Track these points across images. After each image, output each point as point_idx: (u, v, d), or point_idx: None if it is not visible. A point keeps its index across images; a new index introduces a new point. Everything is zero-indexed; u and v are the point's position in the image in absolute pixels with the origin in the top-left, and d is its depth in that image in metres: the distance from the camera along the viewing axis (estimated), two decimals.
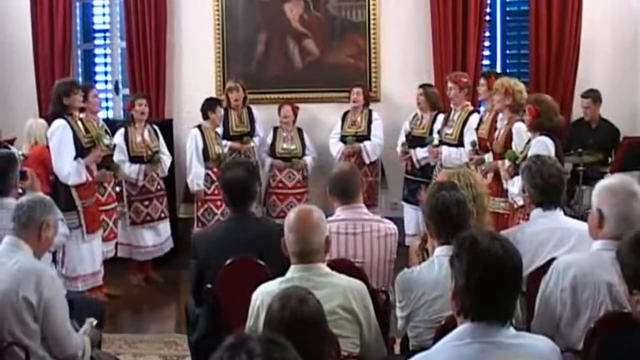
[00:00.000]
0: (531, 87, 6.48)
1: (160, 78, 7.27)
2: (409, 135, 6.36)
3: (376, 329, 2.78)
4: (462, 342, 1.98)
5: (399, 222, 4.54)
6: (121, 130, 6.02)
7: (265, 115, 6.86)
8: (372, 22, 6.99)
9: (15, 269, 2.93)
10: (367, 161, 6.54)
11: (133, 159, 5.99)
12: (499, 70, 6.83)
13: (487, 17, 6.93)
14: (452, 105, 6.01)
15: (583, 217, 2.87)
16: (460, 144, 5.79)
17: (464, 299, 2.01)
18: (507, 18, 7.16)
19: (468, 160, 5.51)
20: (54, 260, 4.56)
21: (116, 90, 7.63)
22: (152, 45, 7.21)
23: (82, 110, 5.54)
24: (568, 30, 6.60)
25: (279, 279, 2.71)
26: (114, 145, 5.81)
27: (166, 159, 6.22)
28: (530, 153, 4.14)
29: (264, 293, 2.65)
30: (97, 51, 7.90)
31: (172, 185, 6.69)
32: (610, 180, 2.73)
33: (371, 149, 6.53)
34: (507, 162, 4.72)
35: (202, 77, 7.26)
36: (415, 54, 6.97)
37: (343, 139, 6.60)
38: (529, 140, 4.52)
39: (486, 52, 7.06)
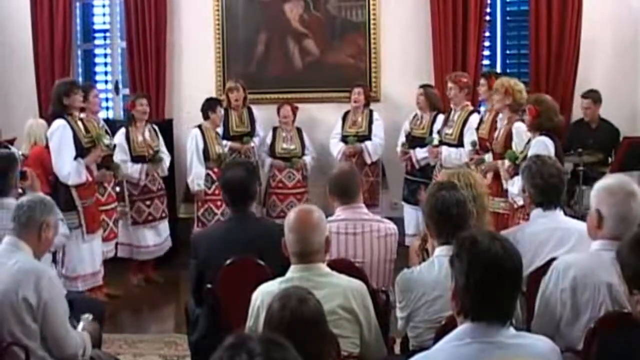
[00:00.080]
0: (531, 87, 6.49)
1: (160, 78, 7.27)
2: (408, 136, 6.36)
3: (376, 329, 2.79)
4: (462, 342, 1.98)
5: (399, 222, 4.55)
6: (122, 130, 6.02)
7: (265, 115, 6.86)
8: (372, 22, 6.99)
9: (15, 269, 2.93)
10: (368, 161, 6.54)
11: (135, 159, 5.99)
12: (499, 70, 6.83)
13: (487, 17, 6.93)
14: (452, 106, 6.01)
15: (583, 217, 2.86)
16: (460, 144, 5.79)
17: (464, 299, 2.01)
18: (507, 18, 7.16)
19: (468, 160, 5.51)
20: (54, 260, 4.57)
21: (116, 90, 7.63)
22: (152, 45, 7.21)
23: (82, 110, 5.54)
24: (568, 30, 6.60)
25: (279, 279, 2.71)
26: (114, 145, 5.80)
27: (165, 158, 6.23)
28: (530, 153, 4.14)
29: (264, 293, 2.65)
30: (97, 51, 7.89)
31: (172, 185, 6.69)
32: (608, 180, 2.73)
33: (372, 149, 6.53)
34: (507, 162, 4.72)
35: (202, 77, 7.26)
36: (415, 54, 6.97)
37: (344, 139, 6.60)
38: (529, 140, 4.52)
39: (486, 52, 7.06)
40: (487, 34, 7.00)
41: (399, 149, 6.40)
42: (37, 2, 7.35)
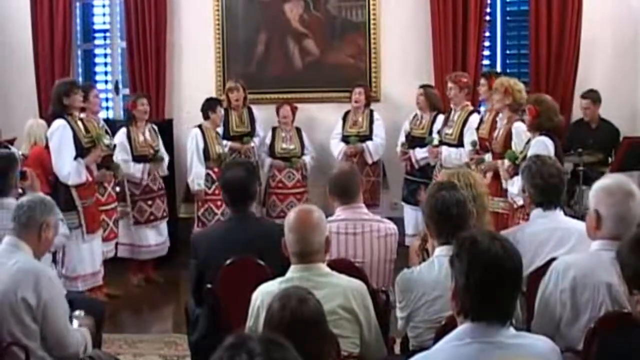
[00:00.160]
0: (531, 87, 6.49)
1: (160, 78, 7.27)
2: (408, 136, 6.36)
3: (376, 329, 2.79)
4: (462, 342, 1.98)
5: (399, 222, 4.55)
6: (123, 130, 6.01)
7: (265, 115, 6.86)
8: (372, 22, 6.99)
9: (15, 270, 2.93)
10: (369, 161, 6.55)
11: (137, 158, 5.99)
12: (499, 70, 6.83)
13: (487, 17, 6.93)
14: (452, 106, 6.01)
15: (583, 217, 2.86)
16: (460, 144, 5.79)
17: (464, 299, 2.02)
18: (507, 18, 7.16)
19: (468, 160, 5.51)
20: (54, 261, 4.56)
21: (116, 90, 7.63)
22: (152, 45, 7.21)
23: (82, 110, 5.54)
24: (568, 30, 6.60)
25: (279, 279, 2.71)
26: (114, 145, 5.80)
27: (165, 157, 6.23)
28: (530, 153, 4.14)
29: (264, 293, 2.65)
30: (97, 51, 7.90)
31: (172, 185, 6.69)
32: (606, 180, 2.73)
33: (374, 149, 6.54)
34: (506, 162, 4.72)
35: (202, 77, 7.26)
36: (415, 54, 6.97)
37: (345, 139, 6.61)
38: (529, 140, 4.52)
39: (486, 52, 7.06)
40: (487, 34, 7.00)
41: (398, 149, 6.41)
42: (37, 2, 7.35)
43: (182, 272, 5.72)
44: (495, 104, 5.16)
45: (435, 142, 6.01)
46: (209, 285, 3.30)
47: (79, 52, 7.78)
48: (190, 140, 6.21)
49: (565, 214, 3.41)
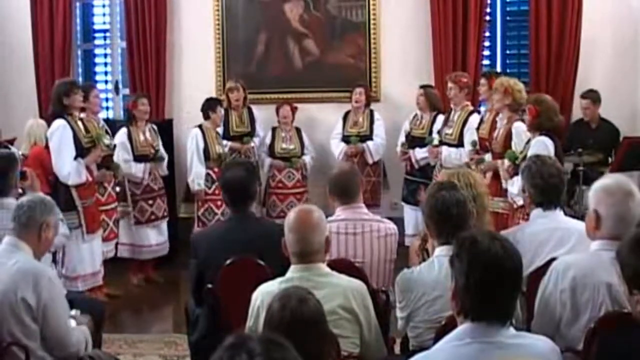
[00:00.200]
0: (531, 87, 6.49)
1: (160, 78, 7.27)
2: (408, 136, 6.36)
3: (376, 329, 2.79)
4: (462, 342, 1.98)
5: (399, 222, 4.55)
6: (124, 130, 6.00)
7: (265, 115, 6.86)
8: (372, 22, 6.99)
9: (14, 270, 2.93)
10: (370, 161, 6.55)
11: (138, 158, 5.99)
12: (499, 70, 6.83)
13: (487, 17, 6.93)
14: (452, 106, 6.01)
15: (583, 217, 2.86)
16: (460, 144, 5.79)
17: (464, 299, 2.01)
18: (507, 18, 7.16)
19: (468, 160, 5.51)
20: (54, 261, 4.57)
21: (116, 90, 7.63)
22: (152, 45, 7.21)
23: (82, 110, 5.54)
24: (568, 30, 6.60)
25: (279, 279, 2.71)
26: (114, 145, 5.80)
27: (165, 157, 6.23)
28: (529, 153, 4.14)
29: (264, 293, 2.65)
30: (97, 51, 7.90)
31: (172, 185, 6.69)
32: (605, 180, 2.73)
33: (374, 148, 6.54)
34: (506, 162, 4.72)
35: (202, 77, 7.26)
36: (415, 54, 6.97)
37: (346, 139, 6.61)
38: (529, 140, 4.52)
39: (486, 52, 7.06)
40: (487, 34, 7.00)
41: (398, 149, 6.41)
42: (37, 2, 7.35)
43: (182, 272, 5.72)
44: (495, 104, 5.16)
45: (436, 142, 6.00)
46: (209, 285, 3.30)
47: (79, 52, 7.78)
48: (191, 140, 6.21)
49: (565, 214, 3.41)
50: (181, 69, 7.38)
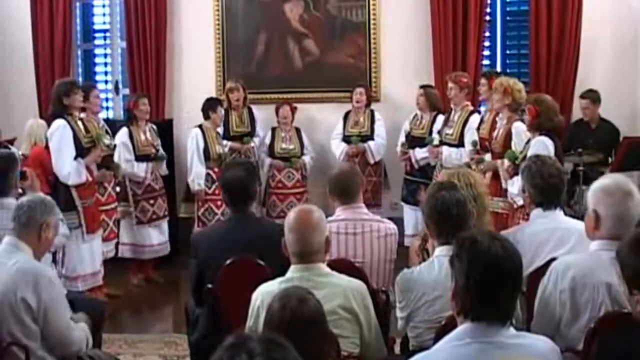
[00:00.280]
0: (531, 87, 6.49)
1: (160, 78, 7.27)
2: (408, 136, 6.36)
3: (376, 329, 2.79)
4: (462, 342, 1.98)
5: (399, 222, 4.55)
6: (125, 130, 5.99)
7: (265, 115, 6.86)
8: (372, 22, 6.99)
9: (14, 270, 2.93)
10: (371, 161, 6.55)
11: (139, 158, 5.99)
12: (499, 70, 6.82)
13: (487, 17, 6.93)
14: (452, 106, 6.01)
15: (583, 217, 2.86)
16: (460, 144, 5.79)
17: (464, 299, 2.01)
18: (507, 18, 7.16)
19: (469, 160, 5.51)
20: (54, 261, 4.57)
21: (116, 90, 7.63)
22: (152, 45, 7.21)
23: (83, 110, 5.54)
24: (568, 30, 6.60)
25: (279, 279, 2.71)
26: (114, 145, 5.80)
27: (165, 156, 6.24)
28: (529, 153, 4.13)
29: (264, 293, 2.65)
30: (97, 51, 7.90)
31: (172, 185, 6.69)
32: (605, 180, 2.73)
33: (375, 148, 6.54)
34: (506, 162, 4.72)
35: (202, 77, 7.26)
36: (415, 54, 6.97)
37: (347, 139, 6.60)
38: (529, 140, 4.52)
39: (486, 52, 7.06)
40: (487, 34, 7.00)
41: (398, 149, 6.41)
42: (37, 2, 7.35)
43: (182, 272, 5.72)
44: (495, 104, 5.16)
45: (436, 142, 6.00)
46: (209, 285, 3.30)
47: (79, 52, 7.78)
48: (191, 140, 6.21)
49: (565, 214, 3.41)
50: (181, 69, 7.38)
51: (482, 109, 6.03)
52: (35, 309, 2.90)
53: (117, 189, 5.89)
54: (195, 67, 7.32)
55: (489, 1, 6.88)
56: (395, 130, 6.58)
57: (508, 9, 7.16)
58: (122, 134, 5.97)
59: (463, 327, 2.02)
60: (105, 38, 7.79)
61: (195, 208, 6.22)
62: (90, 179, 5.32)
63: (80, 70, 7.79)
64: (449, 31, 6.76)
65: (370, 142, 6.54)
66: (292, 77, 7.14)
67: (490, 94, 5.35)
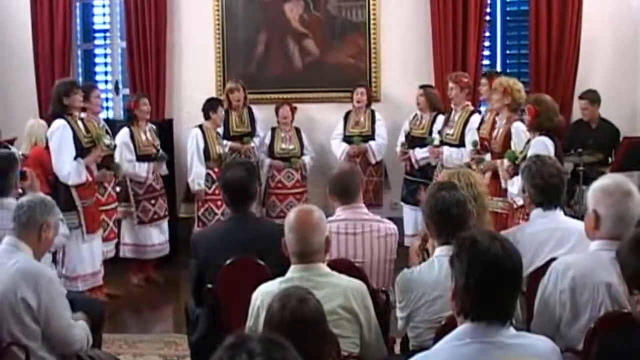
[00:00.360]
0: (531, 87, 6.50)
1: (160, 78, 7.27)
2: (408, 136, 6.36)
3: (376, 329, 2.79)
4: (462, 342, 1.98)
5: (399, 222, 4.54)
6: (125, 130, 5.98)
7: (264, 116, 6.86)
8: (372, 22, 6.99)
9: (14, 270, 2.93)
10: (372, 161, 6.55)
11: (140, 158, 5.98)
12: (499, 70, 6.82)
13: (487, 17, 6.93)
14: (452, 106, 6.00)
15: (583, 217, 2.86)
16: (461, 144, 5.79)
17: (464, 299, 2.02)
18: (507, 18, 7.16)
19: (469, 161, 5.51)
20: (54, 261, 4.57)
21: (116, 90, 7.63)
22: (152, 45, 7.21)
23: (83, 110, 5.54)
24: (568, 30, 6.60)
25: (279, 279, 2.72)
26: (115, 145, 5.80)
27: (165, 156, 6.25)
28: (529, 153, 4.13)
29: (264, 293, 2.65)
30: (97, 51, 7.90)
31: (172, 185, 6.69)
32: (604, 181, 2.73)
33: (377, 148, 6.54)
34: (506, 162, 4.72)
35: (202, 77, 7.26)
36: (415, 54, 6.97)
37: (348, 139, 6.60)
38: (529, 140, 4.52)
39: (486, 52, 7.06)
40: (487, 34, 7.00)
41: (398, 149, 6.41)
42: (37, 2, 7.35)
43: (182, 272, 5.72)
44: (494, 104, 5.16)
45: (436, 142, 6.00)
46: (209, 285, 3.30)
47: (79, 52, 7.78)
48: (191, 140, 6.21)
49: (565, 214, 3.41)
50: (181, 69, 7.38)
51: (483, 109, 6.03)
52: (36, 309, 2.90)
53: (117, 189, 5.89)
54: (195, 67, 7.32)
55: (489, 1, 6.88)
56: (396, 130, 6.58)
57: (508, 9, 7.16)
58: (123, 134, 5.97)
59: (463, 327, 2.02)
60: (105, 38, 7.79)
61: (195, 208, 6.22)
62: (90, 179, 5.32)
63: (80, 70, 7.79)
64: (449, 31, 6.76)
65: (372, 142, 6.54)
66: (292, 77, 7.14)
67: (491, 94, 5.35)
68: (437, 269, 2.77)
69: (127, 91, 7.48)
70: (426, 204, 2.92)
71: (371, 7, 6.96)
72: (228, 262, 3.26)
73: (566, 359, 2.41)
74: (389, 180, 6.80)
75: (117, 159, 5.80)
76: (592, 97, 6.31)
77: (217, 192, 5.96)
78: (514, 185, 4.49)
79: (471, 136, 5.64)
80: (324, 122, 6.95)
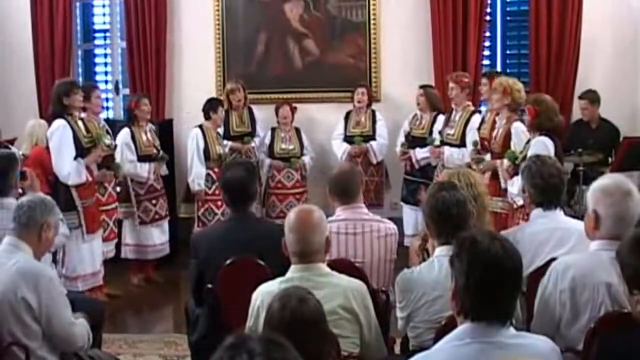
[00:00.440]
0: (531, 87, 6.50)
1: (160, 78, 7.27)
2: (408, 136, 6.36)
3: (376, 329, 2.79)
4: (462, 342, 1.98)
5: (399, 222, 4.54)
6: (126, 130, 5.98)
7: (264, 116, 6.86)
8: (372, 22, 6.99)
9: (14, 270, 2.93)
10: (374, 161, 6.56)
11: (141, 158, 5.98)
12: (499, 70, 6.82)
13: (487, 17, 6.93)
14: (453, 106, 6.00)
15: (583, 217, 2.86)
16: (462, 144, 5.78)
17: (464, 299, 2.02)
18: (507, 18, 7.16)
19: (470, 161, 5.51)
20: (54, 260, 4.57)
21: (116, 90, 7.63)
22: (152, 45, 7.21)
23: (84, 110, 5.54)
24: (568, 30, 6.60)
25: (279, 279, 2.72)
26: (115, 146, 5.80)
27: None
28: (529, 153, 4.13)
29: (264, 293, 2.65)
30: (97, 51, 7.90)
31: (172, 185, 6.69)
32: (604, 181, 2.73)
33: (378, 148, 6.55)
34: (506, 162, 4.72)
35: (202, 77, 7.26)
36: (415, 54, 6.97)
37: (349, 139, 6.60)
38: (529, 140, 4.52)
39: (486, 52, 7.06)
40: (487, 34, 7.00)
41: (398, 149, 6.40)
42: (37, 2, 7.35)
43: (182, 272, 5.72)
44: (494, 104, 5.16)
45: (437, 142, 6.00)
46: (209, 285, 3.30)
47: (79, 52, 7.78)
48: (191, 141, 6.21)
49: (565, 214, 3.41)
50: (181, 69, 7.38)
51: (483, 109, 6.02)
52: (36, 309, 2.90)
53: (118, 189, 5.89)
54: (195, 67, 7.32)
55: (489, 1, 6.88)
56: (396, 130, 6.58)
57: (508, 9, 7.16)
58: (124, 134, 5.96)
59: (463, 327, 2.02)
60: (105, 38, 7.79)
61: (195, 208, 6.22)
62: (90, 179, 5.32)
63: (80, 70, 7.79)
64: (449, 31, 6.76)
65: (373, 142, 6.54)
66: (292, 77, 7.14)
67: (491, 94, 5.35)
68: (437, 269, 2.77)
69: (127, 91, 7.48)
70: (426, 204, 2.92)
71: (371, 7, 6.96)
72: (228, 262, 3.26)
73: (566, 359, 2.41)
74: (389, 180, 6.80)
75: (118, 159, 5.80)
76: (591, 97, 6.31)
77: (217, 192, 5.96)
78: (514, 185, 4.49)
79: (472, 136, 5.64)
80: (324, 122, 6.95)
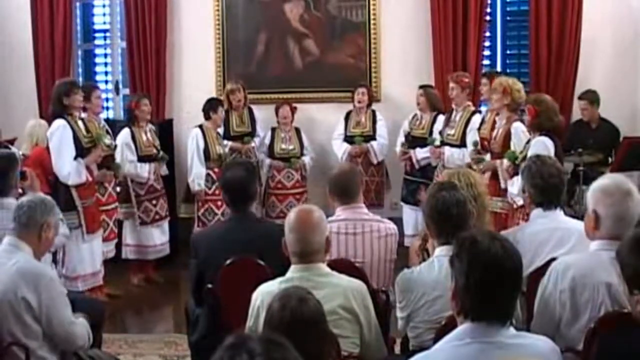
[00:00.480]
0: (531, 87, 6.50)
1: (160, 78, 7.27)
2: (408, 136, 6.36)
3: (376, 329, 2.79)
4: (462, 342, 1.98)
5: (399, 222, 4.54)
6: (127, 131, 5.97)
7: (264, 116, 6.86)
8: (372, 22, 6.99)
9: (14, 270, 2.93)
10: (374, 161, 6.55)
11: (142, 158, 5.98)
12: (499, 70, 6.83)
13: (487, 17, 6.93)
14: (453, 106, 6.00)
15: (583, 217, 2.86)
16: (462, 144, 5.78)
17: (464, 299, 2.02)
18: (507, 18, 7.16)
19: (470, 161, 5.50)
20: (54, 260, 4.57)
21: (116, 90, 7.63)
22: (152, 45, 7.21)
23: (84, 110, 5.54)
24: (568, 30, 6.60)
25: (279, 279, 2.72)
26: (115, 146, 5.80)
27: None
28: (529, 153, 4.13)
29: (264, 293, 2.66)
30: (97, 51, 7.90)
31: (172, 185, 6.69)
32: (604, 181, 2.73)
33: (378, 149, 6.55)
34: (506, 162, 4.72)
35: (202, 77, 7.26)
36: (415, 54, 6.97)
37: (350, 139, 6.59)
38: (529, 140, 4.52)
39: (486, 52, 7.06)
40: (487, 34, 7.00)
41: (398, 149, 6.40)
42: (37, 2, 7.35)
43: (182, 272, 5.72)
44: (494, 104, 5.16)
45: (437, 142, 6.00)
46: (209, 285, 3.30)
47: (79, 52, 7.78)
48: (191, 141, 6.21)
49: (565, 214, 3.41)
50: (181, 69, 7.38)
51: (483, 109, 6.02)
52: (36, 309, 2.90)
53: (118, 189, 5.89)
54: (195, 67, 7.32)
55: (489, 1, 6.88)
56: (396, 130, 6.57)
57: (508, 9, 7.16)
58: (125, 134, 5.96)
59: (463, 327, 2.02)
60: (105, 38, 7.79)
61: (195, 208, 6.22)
62: (90, 179, 5.32)
63: (80, 70, 7.79)
64: (449, 31, 6.76)
65: (373, 142, 6.54)
66: (292, 77, 7.14)
67: (491, 94, 5.35)
68: (437, 269, 2.77)
69: (127, 91, 7.48)
70: (426, 204, 2.92)
71: (371, 7, 6.96)
72: (228, 262, 3.26)
73: (566, 359, 2.41)
74: (389, 180, 6.80)
75: (118, 159, 5.80)
76: (591, 97, 6.31)
77: (217, 192, 5.96)
78: (514, 185, 4.48)
79: (472, 136, 5.64)
80: (324, 122, 6.95)
